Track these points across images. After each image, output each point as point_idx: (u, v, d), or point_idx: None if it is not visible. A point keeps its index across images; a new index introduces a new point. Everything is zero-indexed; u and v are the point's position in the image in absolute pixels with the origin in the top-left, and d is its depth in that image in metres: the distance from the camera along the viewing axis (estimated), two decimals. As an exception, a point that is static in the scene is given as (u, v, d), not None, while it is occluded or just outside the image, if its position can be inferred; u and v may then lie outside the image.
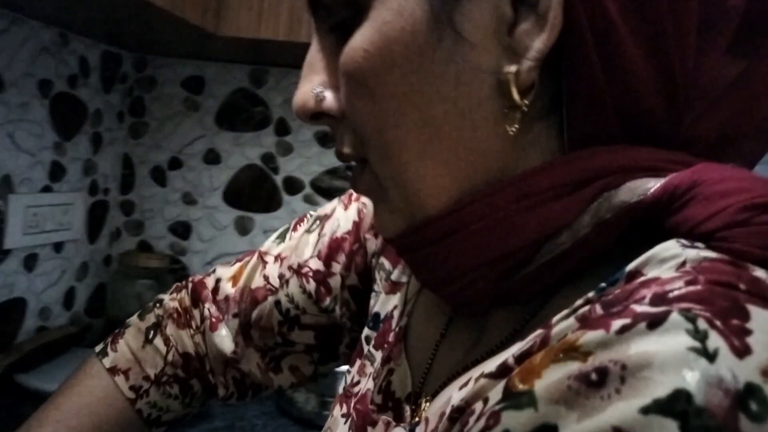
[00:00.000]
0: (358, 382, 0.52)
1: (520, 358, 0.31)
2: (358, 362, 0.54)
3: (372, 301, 0.56)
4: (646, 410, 0.24)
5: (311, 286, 0.61)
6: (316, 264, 0.61)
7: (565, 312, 0.32)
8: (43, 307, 1.34)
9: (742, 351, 0.25)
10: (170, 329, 0.66)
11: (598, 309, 0.30)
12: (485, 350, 0.39)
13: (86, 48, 1.38)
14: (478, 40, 0.34)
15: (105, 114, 1.48)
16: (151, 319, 0.67)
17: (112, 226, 1.57)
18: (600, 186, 0.34)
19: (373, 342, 0.52)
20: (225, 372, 0.65)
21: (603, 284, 0.32)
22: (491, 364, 0.35)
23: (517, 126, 0.35)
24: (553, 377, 0.27)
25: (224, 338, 0.64)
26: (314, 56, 0.39)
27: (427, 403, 0.42)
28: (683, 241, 0.31)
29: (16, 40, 1.18)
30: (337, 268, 0.60)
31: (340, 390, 0.54)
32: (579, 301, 0.32)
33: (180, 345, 0.65)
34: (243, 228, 1.55)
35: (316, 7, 0.38)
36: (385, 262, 0.55)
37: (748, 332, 0.25)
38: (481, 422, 0.29)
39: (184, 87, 1.54)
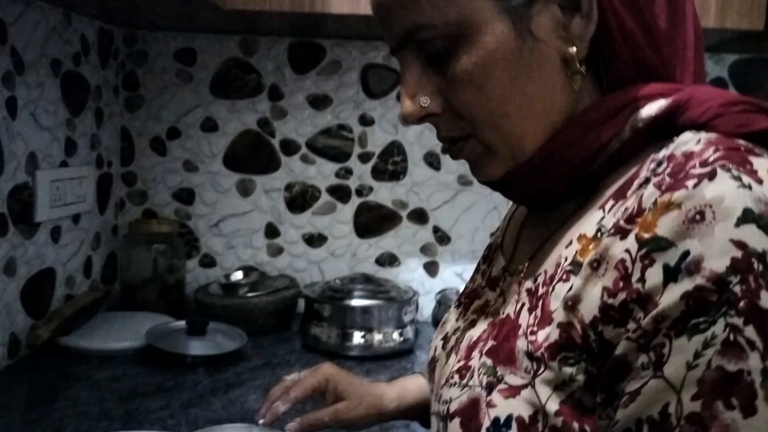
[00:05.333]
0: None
1: (628, 220, 0.47)
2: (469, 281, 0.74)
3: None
4: (736, 224, 0.42)
5: None
6: None
7: (636, 184, 0.50)
8: (68, 276, 1.43)
9: (759, 181, 0.44)
10: None
11: (667, 179, 0.47)
12: (554, 228, 0.57)
13: (85, 26, 1.44)
14: (546, 38, 0.53)
15: (104, 89, 1.55)
16: None
17: (116, 197, 1.65)
18: (631, 109, 0.53)
19: (482, 262, 0.73)
20: None
21: (654, 163, 0.50)
22: (584, 227, 0.52)
23: (580, 83, 0.54)
24: (668, 224, 0.44)
25: None
26: (412, 78, 0.56)
27: (522, 267, 0.59)
28: (692, 131, 0.50)
29: (30, 24, 1.24)
30: None
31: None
32: (643, 175, 0.50)
33: None
34: (245, 189, 1.65)
35: (408, 43, 0.55)
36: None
37: (756, 171, 0.45)
38: (638, 264, 0.45)
39: (176, 59, 1.62)
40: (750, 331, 0.41)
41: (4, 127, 1.18)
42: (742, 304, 0.41)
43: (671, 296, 0.43)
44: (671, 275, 0.43)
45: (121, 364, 1.26)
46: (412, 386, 0.87)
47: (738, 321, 0.41)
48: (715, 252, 0.42)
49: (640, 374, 0.44)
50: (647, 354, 0.44)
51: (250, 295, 1.47)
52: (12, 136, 1.20)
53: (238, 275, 1.55)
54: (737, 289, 0.41)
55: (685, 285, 0.42)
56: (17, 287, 1.25)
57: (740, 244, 0.42)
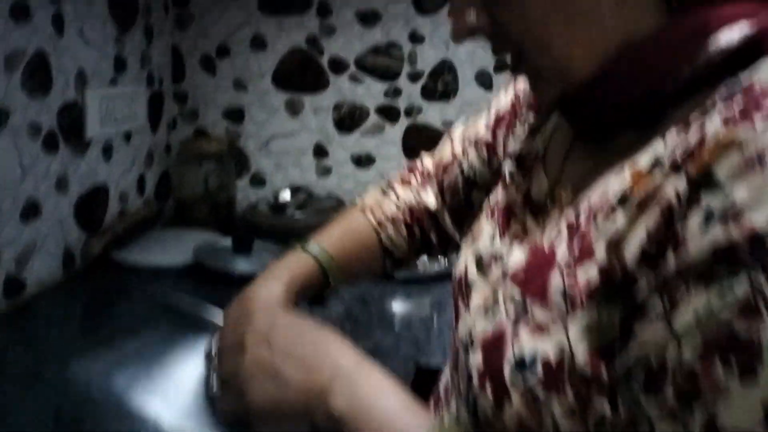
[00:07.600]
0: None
1: (686, 156, 0.41)
2: (500, 187, 0.67)
3: (512, 146, 0.70)
4: None
5: (483, 152, 0.79)
6: (486, 136, 0.79)
7: (700, 112, 0.43)
8: (121, 192, 1.46)
9: None
10: (398, 188, 0.88)
11: (737, 113, 0.40)
12: (609, 155, 0.50)
13: (131, -59, 1.42)
14: None
15: (153, 6, 1.54)
16: (383, 184, 0.89)
17: (168, 115, 1.66)
18: (708, 35, 0.45)
19: (518, 168, 0.66)
20: (432, 225, 0.85)
21: (727, 91, 0.43)
22: (640, 159, 0.46)
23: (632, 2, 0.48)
24: (723, 164, 0.38)
25: (430, 196, 0.85)
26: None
27: (566, 194, 0.55)
28: None
29: (73, -63, 1.23)
30: (500, 135, 0.76)
31: (485, 206, 0.68)
32: (710, 102, 0.43)
33: (406, 198, 0.86)
34: (293, 109, 1.63)
35: None
36: (530, 115, 0.71)
37: None
38: (684, 205, 0.40)
39: (225, -26, 1.59)
40: None
41: (52, 44, 1.19)
42: None
43: (701, 243, 0.39)
44: (710, 220, 0.39)
45: (171, 279, 1.30)
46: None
47: (764, 283, 0.36)
48: (761, 204, 0.37)
49: (651, 318, 0.41)
50: (662, 299, 0.40)
51: (297, 214, 1.48)
52: (59, 53, 1.21)
53: (286, 195, 1.56)
54: None
55: (717, 234, 0.38)
56: (70, 203, 1.28)
57: None
